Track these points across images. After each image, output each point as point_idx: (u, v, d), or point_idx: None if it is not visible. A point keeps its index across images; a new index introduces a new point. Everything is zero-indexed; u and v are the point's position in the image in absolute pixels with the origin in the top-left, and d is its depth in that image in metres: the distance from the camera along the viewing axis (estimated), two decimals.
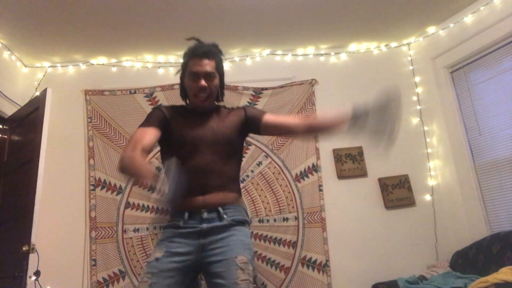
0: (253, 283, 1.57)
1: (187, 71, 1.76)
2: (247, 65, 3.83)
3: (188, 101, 1.88)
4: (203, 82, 1.70)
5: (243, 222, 1.67)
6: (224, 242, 1.57)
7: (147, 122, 1.72)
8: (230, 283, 1.48)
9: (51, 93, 2.86)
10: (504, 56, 3.25)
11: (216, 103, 1.88)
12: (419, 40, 3.93)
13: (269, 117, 1.80)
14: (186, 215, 1.60)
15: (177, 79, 3.82)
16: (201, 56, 1.71)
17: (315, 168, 3.56)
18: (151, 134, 1.65)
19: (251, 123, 1.79)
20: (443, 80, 3.68)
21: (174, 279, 1.50)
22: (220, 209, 1.61)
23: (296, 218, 3.43)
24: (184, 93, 1.87)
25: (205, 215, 1.59)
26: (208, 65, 1.71)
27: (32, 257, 2.46)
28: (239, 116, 1.80)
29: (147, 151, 1.59)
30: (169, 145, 1.72)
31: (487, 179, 3.33)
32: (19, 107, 3.33)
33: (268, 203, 3.47)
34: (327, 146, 3.63)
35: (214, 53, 1.76)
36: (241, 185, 3.48)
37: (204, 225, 1.58)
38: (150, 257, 1.58)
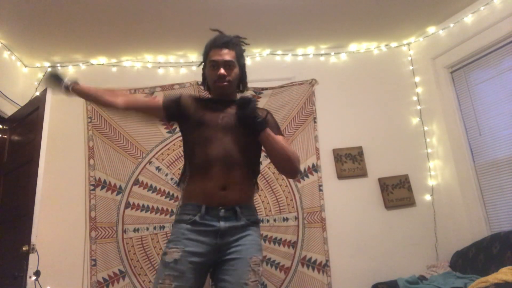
0: (261, 282, 1.59)
1: (208, 61, 1.79)
2: (247, 65, 3.80)
3: (210, 94, 1.92)
4: (222, 71, 1.73)
5: (257, 223, 1.68)
6: (240, 241, 1.57)
7: (163, 101, 1.81)
8: (240, 282, 1.49)
9: (51, 93, 2.86)
10: (504, 56, 3.25)
11: (238, 94, 1.90)
12: (419, 40, 3.93)
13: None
14: (203, 209, 1.58)
15: (177, 79, 3.85)
16: (221, 46, 1.76)
17: (315, 168, 3.56)
18: (153, 102, 1.81)
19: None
20: (443, 80, 3.68)
21: (194, 280, 1.52)
22: (238, 208, 1.60)
23: (296, 218, 3.43)
24: (207, 85, 1.90)
25: (222, 212, 1.58)
26: (227, 55, 1.75)
27: (32, 257, 2.46)
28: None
29: (132, 103, 1.79)
30: (189, 127, 1.74)
31: (487, 179, 3.33)
32: (19, 107, 3.33)
33: (268, 203, 3.47)
34: (327, 146, 3.64)
35: (234, 43, 1.80)
36: None
37: (222, 224, 1.57)
38: (167, 256, 1.55)
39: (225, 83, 1.75)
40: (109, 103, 1.77)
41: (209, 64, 1.77)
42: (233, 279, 1.50)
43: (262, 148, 1.76)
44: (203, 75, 1.88)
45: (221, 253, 1.57)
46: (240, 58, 1.82)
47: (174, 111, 1.78)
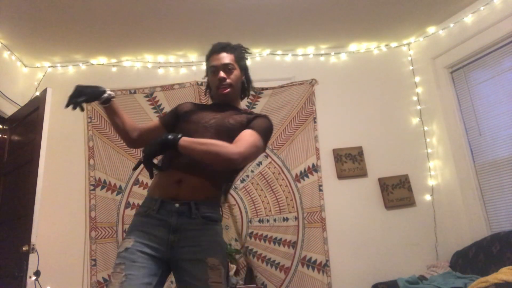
0: (226, 285, 1.52)
1: (208, 68, 1.80)
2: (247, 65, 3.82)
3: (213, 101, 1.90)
4: (221, 74, 1.71)
5: (215, 220, 1.60)
6: (195, 241, 1.51)
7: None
8: (201, 284, 1.45)
9: (51, 93, 2.85)
10: (504, 56, 3.25)
11: (241, 99, 1.88)
12: (419, 40, 3.93)
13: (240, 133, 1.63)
14: (158, 203, 1.55)
15: (176, 80, 3.84)
16: (219, 50, 1.76)
17: (315, 168, 3.56)
18: (151, 122, 1.89)
19: None
20: (443, 80, 3.68)
21: (147, 270, 1.47)
22: (193, 204, 1.54)
23: (296, 218, 3.43)
24: (211, 93, 1.89)
25: (175, 207, 1.54)
26: (225, 58, 1.74)
27: (32, 257, 2.45)
28: (244, 119, 1.72)
29: (140, 129, 1.80)
30: (177, 124, 1.75)
31: (487, 179, 3.33)
32: (19, 107, 3.33)
33: (268, 203, 3.47)
34: (327, 146, 3.64)
35: (232, 47, 1.79)
36: (241, 185, 3.48)
37: (174, 219, 1.52)
38: (120, 247, 1.54)
39: (228, 89, 1.73)
40: (127, 131, 1.76)
41: (210, 70, 1.77)
42: (196, 281, 1.45)
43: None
44: (207, 84, 1.88)
45: (175, 251, 1.51)
46: (240, 61, 1.80)
47: (170, 116, 1.80)
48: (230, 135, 1.61)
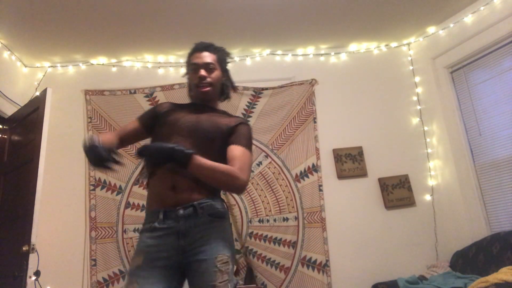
0: (232, 280, 1.53)
1: (189, 65, 1.80)
2: (247, 65, 3.83)
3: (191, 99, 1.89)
4: (202, 72, 1.72)
5: (222, 217, 1.61)
6: (203, 241, 1.52)
7: (138, 116, 1.86)
8: (208, 285, 1.45)
9: (51, 93, 2.86)
10: (504, 56, 3.25)
11: (220, 101, 1.87)
12: (419, 40, 3.93)
13: (230, 148, 1.64)
14: (161, 215, 1.54)
15: (177, 79, 3.85)
16: (201, 49, 1.77)
17: (315, 168, 3.56)
18: (131, 124, 1.83)
19: (227, 140, 1.68)
20: (443, 80, 3.68)
21: (161, 284, 1.47)
22: (196, 204, 1.54)
23: (296, 218, 3.43)
24: (190, 92, 1.89)
25: (180, 212, 1.53)
26: (207, 57, 1.75)
27: (32, 257, 2.46)
28: (229, 123, 1.71)
29: (120, 137, 1.77)
30: (155, 127, 1.76)
31: (487, 179, 3.33)
32: (19, 107, 3.33)
33: (268, 203, 3.47)
34: (327, 146, 3.64)
35: (215, 48, 1.80)
36: None
37: (181, 224, 1.52)
38: (131, 265, 1.55)
39: (208, 88, 1.73)
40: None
41: (190, 67, 1.77)
42: (201, 282, 1.47)
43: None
44: (188, 82, 1.87)
45: (187, 254, 1.52)
46: (222, 63, 1.80)
47: (149, 117, 1.79)
48: (206, 136, 1.64)
